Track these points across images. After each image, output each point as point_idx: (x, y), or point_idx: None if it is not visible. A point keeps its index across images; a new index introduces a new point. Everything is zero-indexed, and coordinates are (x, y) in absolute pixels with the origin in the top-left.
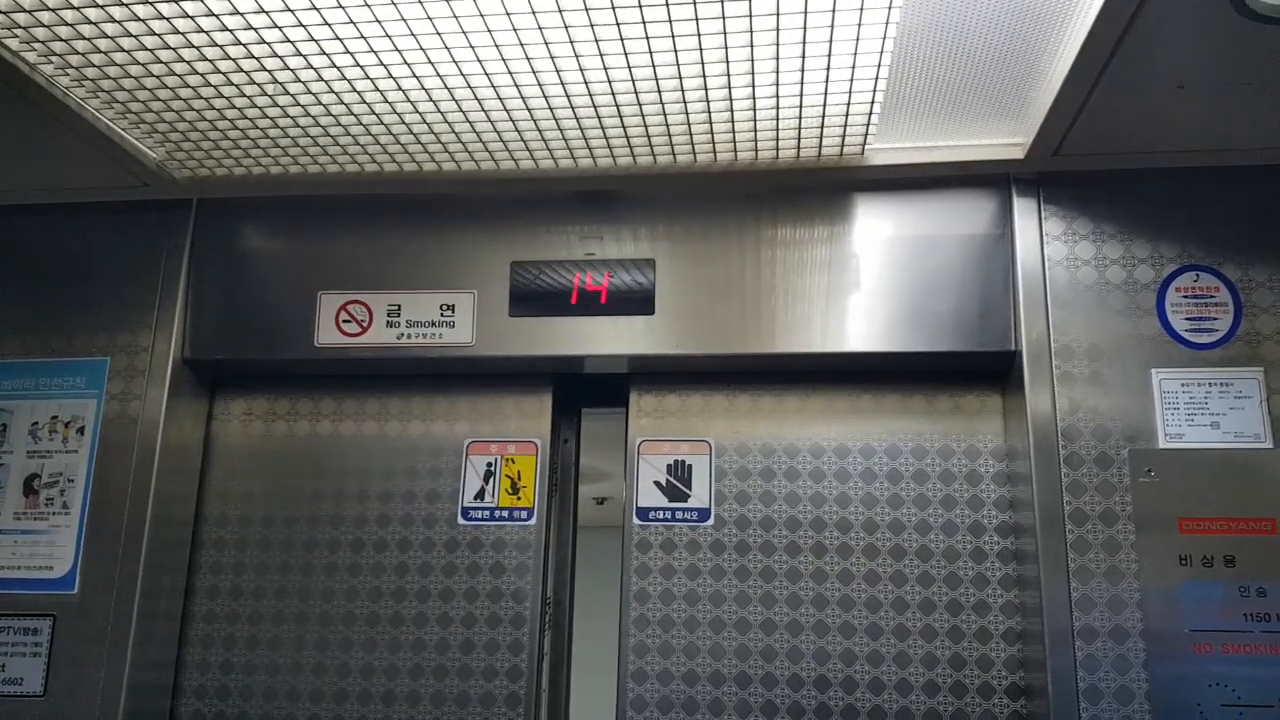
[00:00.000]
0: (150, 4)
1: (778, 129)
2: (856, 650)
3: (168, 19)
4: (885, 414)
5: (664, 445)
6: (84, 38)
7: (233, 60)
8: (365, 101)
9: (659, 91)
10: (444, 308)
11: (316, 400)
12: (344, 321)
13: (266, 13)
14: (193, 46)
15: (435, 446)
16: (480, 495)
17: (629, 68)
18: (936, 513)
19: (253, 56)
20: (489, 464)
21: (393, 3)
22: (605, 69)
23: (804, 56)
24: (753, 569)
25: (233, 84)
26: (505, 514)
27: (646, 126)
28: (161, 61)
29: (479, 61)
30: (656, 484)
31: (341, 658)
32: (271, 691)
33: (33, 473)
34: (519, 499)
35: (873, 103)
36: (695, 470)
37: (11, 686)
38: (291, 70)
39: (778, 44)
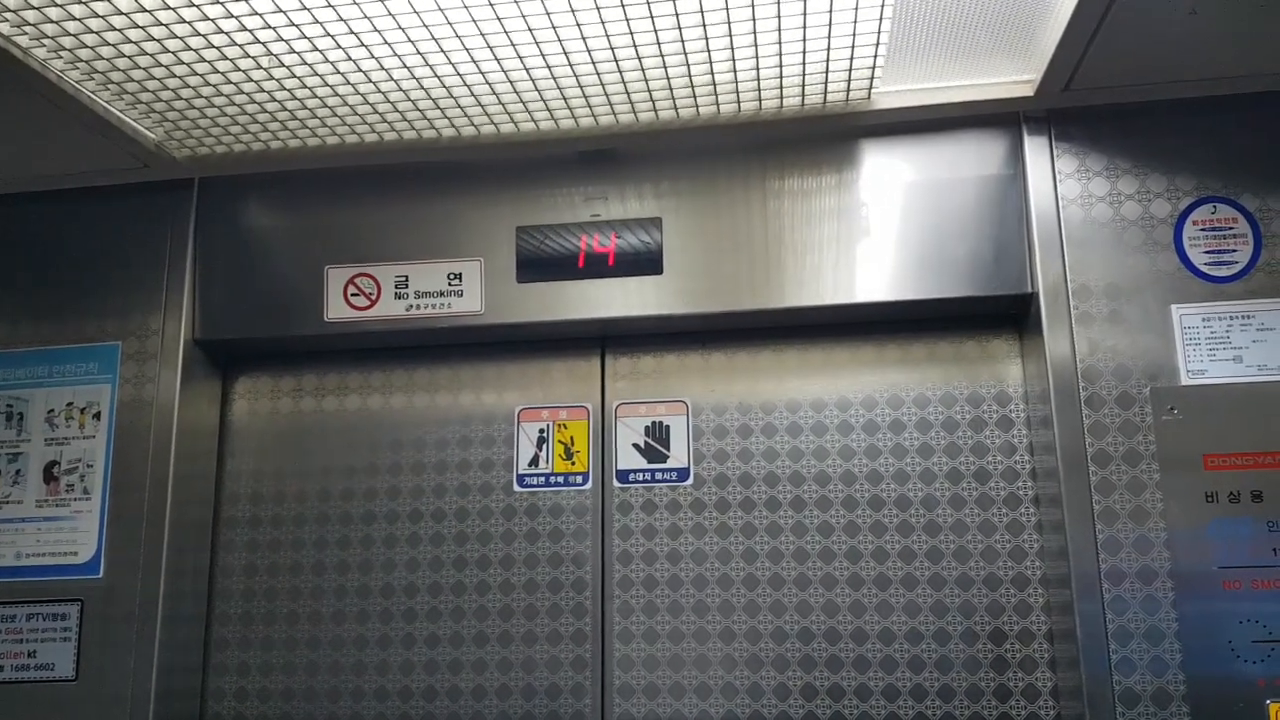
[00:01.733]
0: None
1: (781, 76)
2: (840, 601)
3: None
4: (892, 364)
5: (640, 407)
6: (75, 18)
7: (225, 34)
8: (361, 69)
9: (658, 44)
10: (451, 276)
11: (362, 373)
12: (352, 295)
13: None
14: (184, 21)
15: (487, 415)
16: (534, 462)
17: (626, 20)
18: (941, 462)
19: (245, 29)
20: (541, 430)
21: None
22: (601, 22)
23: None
24: (733, 526)
25: (227, 58)
26: (560, 479)
27: (646, 80)
28: (154, 39)
29: (474, 21)
30: (635, 446)
31: (386, 630)
32: (328, 666)
33: (52, 460)
34: (573, 464)
35: (877, 44)
36: (673, 431)
37: (44, 672)
38: (285, 41)
39: None
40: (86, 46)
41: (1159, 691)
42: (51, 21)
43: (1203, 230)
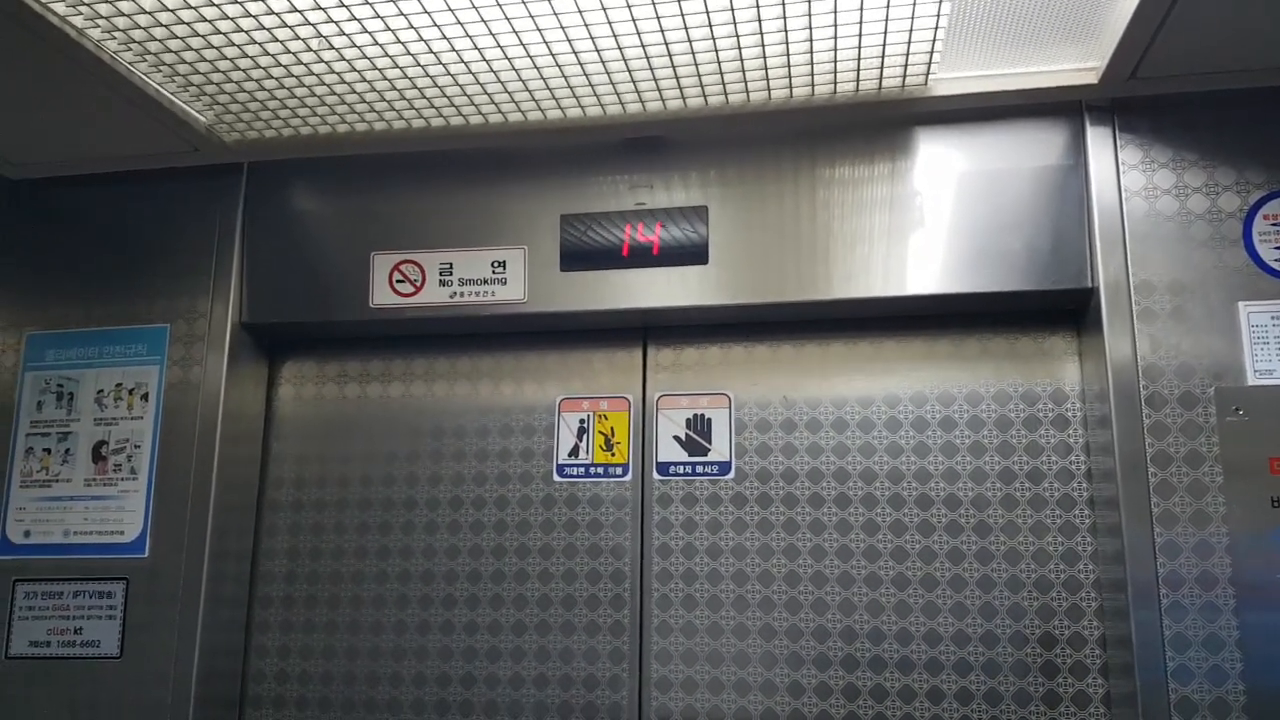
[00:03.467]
0: None
1: (835, 61)
2: (883, 602)
3: None
4: (943, 360)
5: (682, 399)
6: (130, 0)
7: (277, 15)
8: (410, 53)
9: (710, 25)
10: (495, 265)
11: (405, 360)
12: (398, 282)
13: None
14: (236, 3)
15: (528, 404)
16: (574, 452)
17: (678, 1)
18: (994, 460)
19: (296, 10)
20: (582, 421)
21: None
22: (653, 3)
23: None
24: (775, 521)
25: (278, 40)
26: (600, 470)
27: (697, 64)
28: (206, 20)
29: (523, 3)
30: (676, 438)
31: (425, 616)
32: (367, 651)
33: (100, 439)
34: (613, 455)
35: (936, 28)
36: (715, 424)
37: (89, 649)
38: (336, 23)
39: None
40: (140, 28)
41: (1217, 701)
42: (107, 2)
43: (1274, 225)
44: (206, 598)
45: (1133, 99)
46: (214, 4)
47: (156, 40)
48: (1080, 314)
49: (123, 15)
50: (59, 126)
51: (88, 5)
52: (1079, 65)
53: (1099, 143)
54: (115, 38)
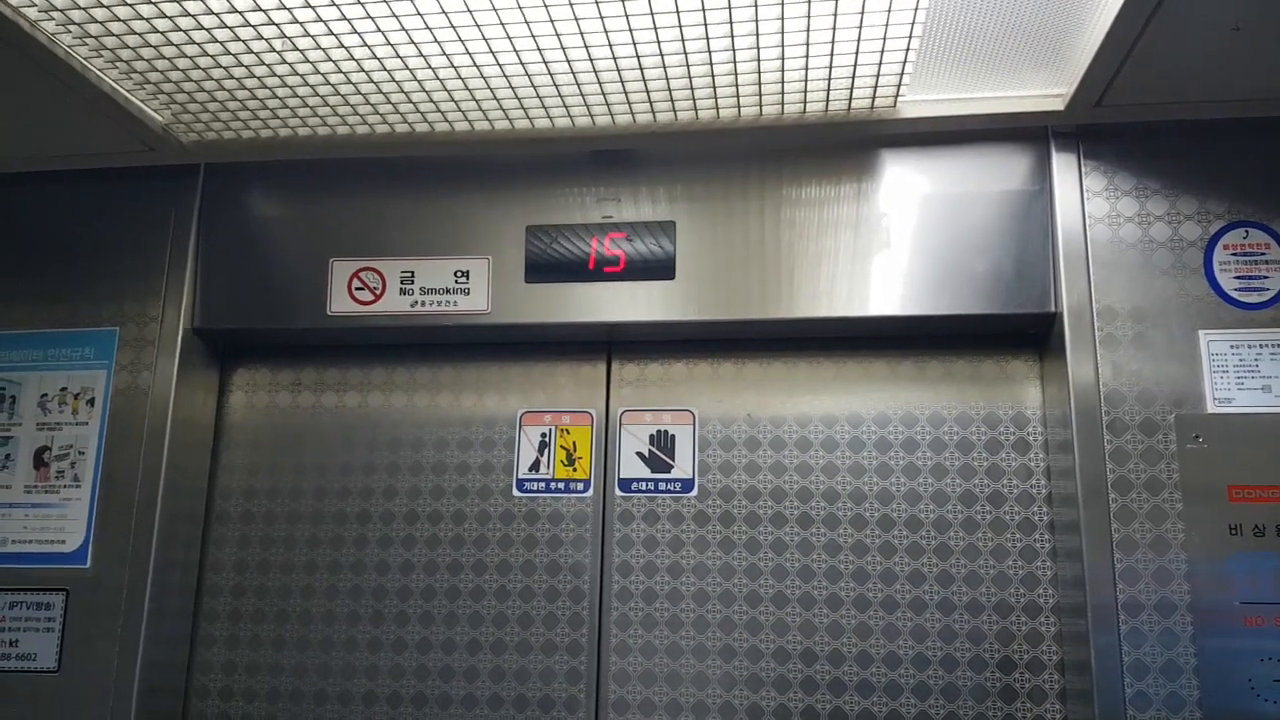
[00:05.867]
0: None
1: (806, 80)
2: (844, 624)
3: None
4: (906, 381)
5: (646, 415)
6: None
7: (239, 13)
8: (376, 57)
9: (682, 40)
10: (458, 274)
11: (363, 370)
12: (356, 289)
13: None
14: (198, 0)
15: (489, 417)
16: (535, 466)
17: (651, 14)
18: (955, 483)
19: (259, 9)
20: (543, 435)
21: None
22: (626, 15)
23: (837, 1)
24: (737, 540)
25: (239, 39)
26: (561, 485)
27: (668, 80)
28: (166, 16)
29: (494, 10)
30: (639, 455)
31: (377, 633)
32: (316, 668)
33: (43, 445)
34: (575, 470)
35: (907, 51)
36: (678, 440)
37: (25, 662)
38: (300, 23)
39: None
40: (96, 21)
41: None
42: None
43: (1233, 255)
44: (150, 611)
45: (1098, 126)
46: None
47: (114, 35)
48: (1043, 338)
49: (79, 8)
50: (8, 122)
51: None
52: (1046, 92)
53: (1064, 169)
54: (70, 31)
